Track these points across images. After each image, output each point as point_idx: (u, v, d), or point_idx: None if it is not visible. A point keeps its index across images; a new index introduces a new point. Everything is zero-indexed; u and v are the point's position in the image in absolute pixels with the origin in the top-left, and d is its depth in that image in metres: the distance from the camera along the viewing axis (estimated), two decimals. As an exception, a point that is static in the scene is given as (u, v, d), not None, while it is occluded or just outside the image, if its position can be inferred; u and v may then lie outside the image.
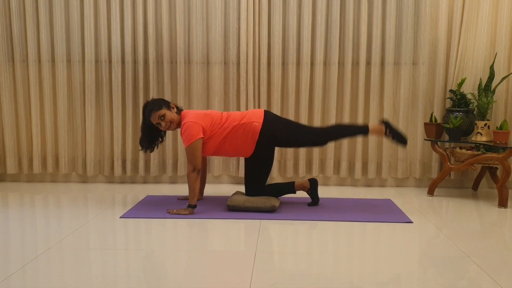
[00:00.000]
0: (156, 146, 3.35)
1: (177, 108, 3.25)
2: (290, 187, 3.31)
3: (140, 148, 3.33)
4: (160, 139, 3.36)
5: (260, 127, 3.13)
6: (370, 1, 3.81)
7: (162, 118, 3.14)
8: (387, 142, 3.92)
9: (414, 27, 3.82)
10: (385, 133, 3.24)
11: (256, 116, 3.18)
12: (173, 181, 4.09)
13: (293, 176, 3.99)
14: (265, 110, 3.25)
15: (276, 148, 3.76)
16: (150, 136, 3.27)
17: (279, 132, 3.19)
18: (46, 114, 3.95)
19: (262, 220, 2.96)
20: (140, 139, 3.28)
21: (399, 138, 3.24)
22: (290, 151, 3.96)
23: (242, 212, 3.10)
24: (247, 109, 3.87)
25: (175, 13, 3.82)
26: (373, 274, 2.15)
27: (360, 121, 3.90)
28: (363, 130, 3.26)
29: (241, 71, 3.85)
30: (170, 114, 3.16)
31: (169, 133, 3.91)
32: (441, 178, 3.65)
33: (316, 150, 3.94)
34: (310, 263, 2.28)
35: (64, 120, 3.95)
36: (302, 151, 3.94)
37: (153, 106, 3.16)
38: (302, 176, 3.98)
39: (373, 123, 3.36)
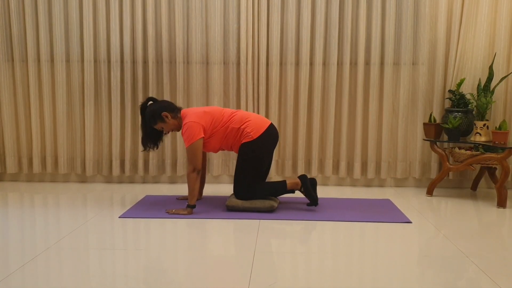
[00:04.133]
0: (161, 141, 3.33)
1: (173, 112, 3.18)
2: (282, 187, 3.21)
3: (143, 148, 3.30)
4: (164, 133, 3.32)
5: (250, 140, 3.11)
6: (370, 1, 3.81)
7: (161, 129, 3.21)
8: (386, 142, 3.92)
9: (413, 27, 3.83)
10: (300, 189, 3.19)
11: (257, 127, 3.12)
12: (172, 181, 4.09)
13: (291, 176, 3.99)
14: (271, 124, 3.18)
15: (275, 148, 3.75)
16: (152, 133, 3.25)
17: (260, 153, 3.13)
18: (46, 113, 3.95)
19: (261, 220, 2.96)
20: (142, 139, 3.27)
21: (311, 200, 3.16)
22: (288, 150, 3.96)
23: (241, 212, 3.10)
24: (246, 109, 3.87)
25: (175, 13, 3.82)
26: (372, 274, 2.15)
27: (359, 120, 3.89)
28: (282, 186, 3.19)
29: (240, 71, 3.85)
30: (167, 126, 3.17)
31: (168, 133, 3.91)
32: (440, 178, 3.65)
33: (315, 150, 3.94)
34: (308, 263, 2.28)
35: (63, 119, 3.95)
36: (301, 150, 3.94)
37: (150, 119, 3.16)
38: (301, 176, 3.98)
39: (290, 179, 3.27)
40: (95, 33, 3.88)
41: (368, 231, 2.80)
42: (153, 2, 3.82)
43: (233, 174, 4.00)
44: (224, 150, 3.33)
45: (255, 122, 3.15)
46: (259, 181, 3.19)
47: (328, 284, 2.04)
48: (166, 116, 3.14)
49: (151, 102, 3.22)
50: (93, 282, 2.02)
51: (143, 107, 3.21)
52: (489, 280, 2.08)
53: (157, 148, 3.34)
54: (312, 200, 3.17)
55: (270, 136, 3.18)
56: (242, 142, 3.13)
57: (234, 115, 3.18)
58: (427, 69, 3.87)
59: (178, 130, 3.24)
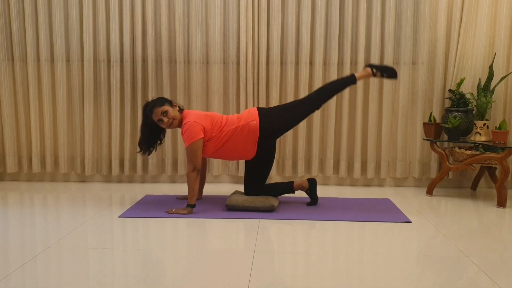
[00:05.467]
0: (154, 149, 3.34)
1: (179, 107, 3.26)
2: (289, 187, 3.31)
3: (138, 150, 3.31)
4: (159, 142, 3.34)
5: (258, 124, 3.14)
6: (369, 1, 3.81)
7: (164, 114, 3.13)
8: (386, 142, 3.92)
9: (413, 27, 3.82)
10: (373, 74, 3.29)
11: (251, 116, 3.19)
12: (173, 180, 4.08)
13: (292, 175, 3.99)
14: (257, 108, 3.26)
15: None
16: (150, 137, 3.26)
17: (277, 122, 3.21)
18: (45, 113, 3.95)
19: (261, 220, 2.96)
20: (139, 141, 3.27)
21: (389, 73, 3.28)
22: (288, 150, 3.95)
23: (241, 212, 3.10)
24: (246, 108, 3.87)
25: (174, 12, 3.82)
26: (372, 273, 2.15)
27: (359, 120, 3.90)
28: (351, 80, 3.29)
29: (240, 71, 3.85)
30: (173, 111, 3.16)
31: (168, 132, 3.91)
32: (440, 178, 3.65)
33: (315, 150, 3.94)
34: (308, 263, 2.28)
35: (63, 119, 3.95)
36: (301, 150, 3.93)
37: (156, 102, 3.17)
38: (301, 176, 3.98)
39: (358, 71, 3.42)
40: (94, 33, 3.87)
41: (368, 231, 2.80)
42: (153, 2, 3.81)
43: (233, 174, 4.01)
44: (220, 157, 3.30)
45: (247, 113, 3.22)
46: (268, 175, 3.32)
47: (328, 284, 2.04)
48: (175, 105, 3.21)
49: None
50: (93, 281, 2.02)
51: (147, 104, 3.22)
52: (489, 280, 2.08)
53: (148, 154, 3.33)
54: (313, 200, 3.31)
55: (267, 112, 3.23)
56: (256, 131, 3.14)
57: (228, 119, 3.21)
58: (427, 68, 3.87)
59: (177, 126, 3.23)
